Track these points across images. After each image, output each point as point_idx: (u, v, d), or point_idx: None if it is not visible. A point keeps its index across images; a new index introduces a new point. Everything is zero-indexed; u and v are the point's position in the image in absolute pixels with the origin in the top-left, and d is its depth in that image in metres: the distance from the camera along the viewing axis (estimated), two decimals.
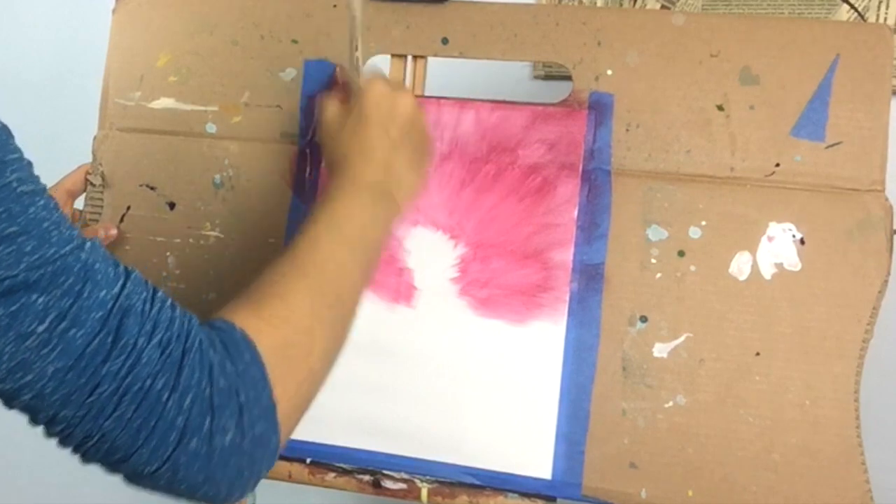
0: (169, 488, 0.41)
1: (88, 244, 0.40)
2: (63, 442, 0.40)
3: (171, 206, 0.71)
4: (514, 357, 0.63)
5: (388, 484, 0.63)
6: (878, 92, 0.60)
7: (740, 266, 0.61)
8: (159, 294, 0.41)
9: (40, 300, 0.37)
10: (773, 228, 0.61)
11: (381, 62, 0.68)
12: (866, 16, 0.84)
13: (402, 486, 0.63)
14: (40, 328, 0.37)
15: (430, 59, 0.68)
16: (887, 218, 0.59)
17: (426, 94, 0.68)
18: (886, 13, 0.84)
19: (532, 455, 0.62)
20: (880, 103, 0.60)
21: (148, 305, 0.40)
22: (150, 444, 0.39)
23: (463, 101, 0.66)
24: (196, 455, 0.39)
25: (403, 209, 0.58)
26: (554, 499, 0.61)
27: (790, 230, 0.61)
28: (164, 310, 0.41)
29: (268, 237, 0.68)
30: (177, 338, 0.40)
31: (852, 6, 0.84)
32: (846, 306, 0.59)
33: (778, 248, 0.61)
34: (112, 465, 0.41)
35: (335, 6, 0.69)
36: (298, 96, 0.69)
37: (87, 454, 0.40)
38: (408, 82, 0.68)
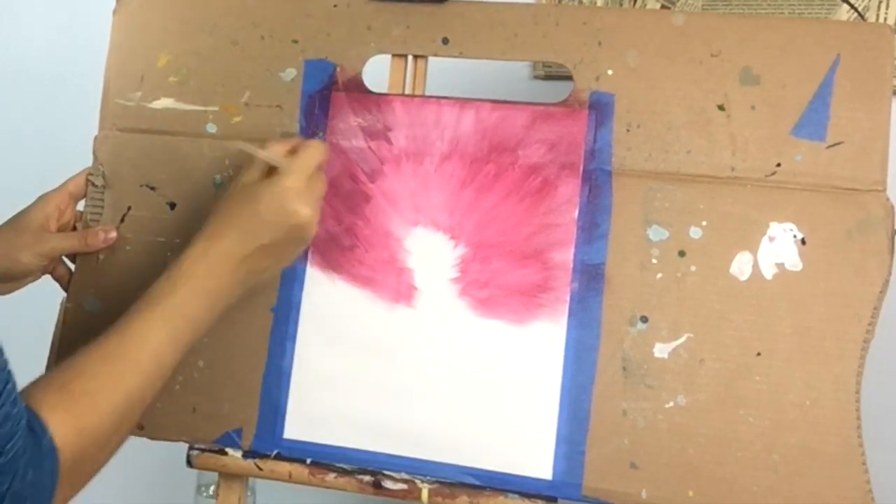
0: None
1: None
2: None
3: (172, 206, 0.71)
4: (514, 357, 0.63)
5: (388, 484, 0.63)
6: (878, 92, 0.60)
7: (741, 266, 0.61)
8: (8, 387, 0.45)
9: None
10: (774, 228, 0.61)
11: (382, 62, 0.69)
12: (866, 16, 0.84)
13: (403, 486, 0.63)
14: None
15: (430, 59, 0.68)
16: (888, 218, 0.59)
17: (426, 94, 0.68)
18: (886, 13, 0.84)
19: (532, 455, 0.62)
20: (881, 103, 0.60)
21: None
22: None
23: (463, 101, 0.66)
24: None
25: (252, 292, 0.62)
26: (554, 499, 0.61)
27: (791, 230, 0.60)
28: (5, 406, 0.45)
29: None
30: (2, 438, 0.44)
31: (852, 6, 0.84)
32: (847, 306, 0.59)
33: (779, 248, 0.60)
34: None
35: (335, 6, 0.69)
36: (298, 96, 0.69)
37: None
38: (408, 82, 0.68)
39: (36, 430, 0.48)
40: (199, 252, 0.58)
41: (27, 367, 0.51)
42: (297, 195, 0.59)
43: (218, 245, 0.59)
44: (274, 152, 0.61)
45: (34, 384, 0.51)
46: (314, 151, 0.61)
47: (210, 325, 0.59)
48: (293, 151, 0.61)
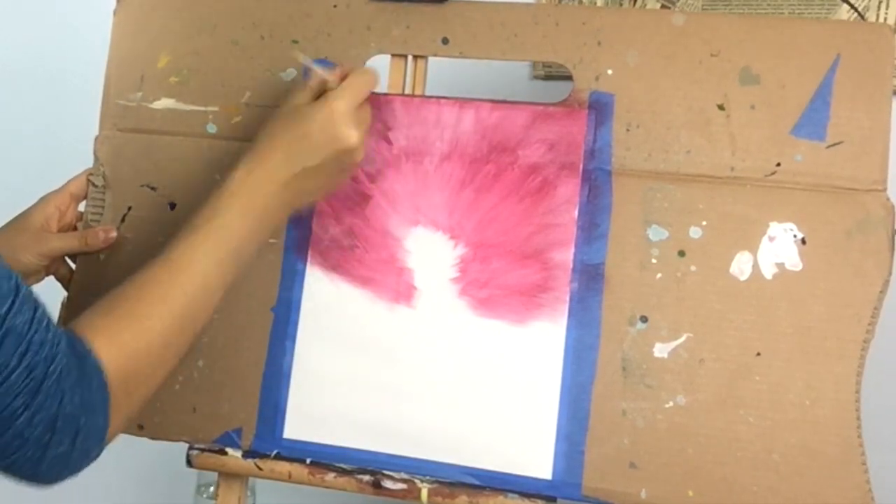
0: (2, 472, 0.48)
1: None
2: None
3: (172, 206, 0.71)
4: (514, 357, 0.63)
5: (388, 484, 0.63)
6: (878, 92, 0.60)
7: (741, 266, 0.61)
8: (38, 314, 0.46)
9: None
10: (774, 228, 0.61)
11: (382, 62, 0.69)
12: (866, 16, 0.84)
13: (402, 486, 0.63)
14: None
15: (430, 59, 0.68)
16: (888, 218, 0.59)
17: (426, 94, 0.68)
18: (886, 13, 0.84)
19: (532, 455, 0.62)
20: (881, 103, 0.60)
21: (27, 327, 0.45)
22: None
23: (463, 101, 0.66)
24: (30, 459, 0.46)
25: (286, 219, 0.62)
26: (554, 499, 0.61)
27: (791, 230, 0.60)
28: (39, 331, 0.45)
29: (268, 237, 0.68)
30: (43, 361, 0.45)
31: (852, 6, 0.84)
32: (847, 306, 0.59)
33: (779, 247, 0.60)
34: None
35: (335, 6, 0.69)
36: None
37: None
38: (408, 82, 0.68)
39: (80, 352, 0.48)
40: (244, 173, 0.58)
41: None
42: (347, 118, 0.58)
43: (264, 165, 0.58)
44: (329, 72, 0.61)
45: (82, 314, 0.52)
46: (367, 78, 0.61)
47: (256, 246, 0.59)
48: (344, 77, 0.61)
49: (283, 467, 0.65)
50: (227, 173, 0.58)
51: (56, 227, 0.70)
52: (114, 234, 0.70)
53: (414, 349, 0.64)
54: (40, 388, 0.45)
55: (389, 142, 0.67)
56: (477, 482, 0.62)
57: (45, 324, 0.46)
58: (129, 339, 0.51)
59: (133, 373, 0.51)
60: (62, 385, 0.46)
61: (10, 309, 0.44)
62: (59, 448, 0.46)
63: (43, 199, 0.70)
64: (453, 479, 0.63)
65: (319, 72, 0.61)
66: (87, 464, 0.50)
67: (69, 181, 0.72)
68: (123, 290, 0.54)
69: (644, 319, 0.62)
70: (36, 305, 0.46)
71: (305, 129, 0.58)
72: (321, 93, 0.60)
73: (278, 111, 0.61)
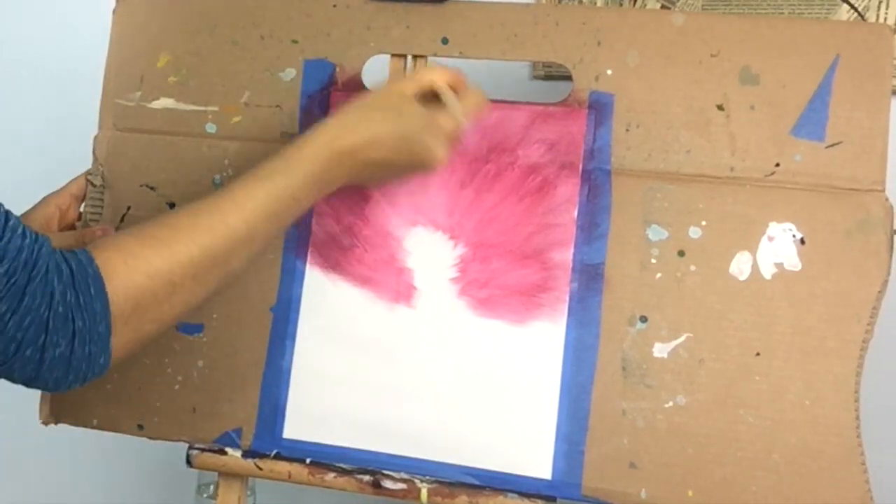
0: (8, 378, 0.49)
1: None
2: None
3: (172, 206, 0.71)
4: (513, 357, 0.63)
5: (387, 484, 0.63)
6: (878, 92, 0.60)
7: (740, 266, 0.61)
8: (11, 223, 0.46)
9: None
10: (774, 228, 0.61)
11: (381, 62, 0.69)
12: (866, 16, 0.84)
13: (402, 486, 0.63)
14: None
15: (430, 59, 0.68)
16: (887, 218, 0.59)
17: None
18: (886, 13, 0.84)
19: (532, 455, 0.62)
20: (880, 103, 0.60)
21: None
22: None
23: None
24: (29, 360, 0.47)
25: (350, 184, 0.60)
26: (554, 499, 0.61)
27: (790, 230, 0.60)
28: (13, 239, 0.46)
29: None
30: (22, 266, 0.46)
31: (852, 6, 0.84)
32: (846, 306, 0.59)
33: (778, 247, 0.60)
34: None
35: (335, 6, 0.69)
36: (298, 96, 0.69)
37: None
38: None
39: (81, 260, 0.49)
40: (316, 137, 0.58)
41: None
42: (436, 133, 0.59)
43: (337, 126, 0.58)
44: (457, 109, 0.61)
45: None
46: (478, 100, 0.62)
47: (307, 208, 0.59)
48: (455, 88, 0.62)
49: (283, 467, 0.65)
50: (302, 135, 0.58)
51: (57, 228, 0.70)
52: (112, 233, 0.70)
53: (414, 349, 0.64)
54: (25, 291, 0.45)
55: None
56: (477, 482, 0.62)
57: (19, 231, 0.46)
58: (146, 258, 0.50)
59: (142, 292, 0.50)
60: (49, 286, 0.46)
61: None
62: (57, 349, 0.47)
63: (44, 200, 0.70)
64: (453, 479, 0.63)
65: (453, 107, 0.61)
66: (94, 371, 0.50)
67: (70, 182, 0.72)
68: (161, 216, 0.54)
69: (644, 319, 0.62)
70: (7, 216, 0.46)
71: (386, 103, 0.60)
72: (427, 93, 0.61)
73: (377, 89, 0.62)
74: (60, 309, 0.47)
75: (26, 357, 0.47)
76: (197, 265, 0.52)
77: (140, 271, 0.50)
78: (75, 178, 0.72)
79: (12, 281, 0.45)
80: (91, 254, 0.49)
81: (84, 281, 0.48)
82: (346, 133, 0.58)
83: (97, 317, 0.48)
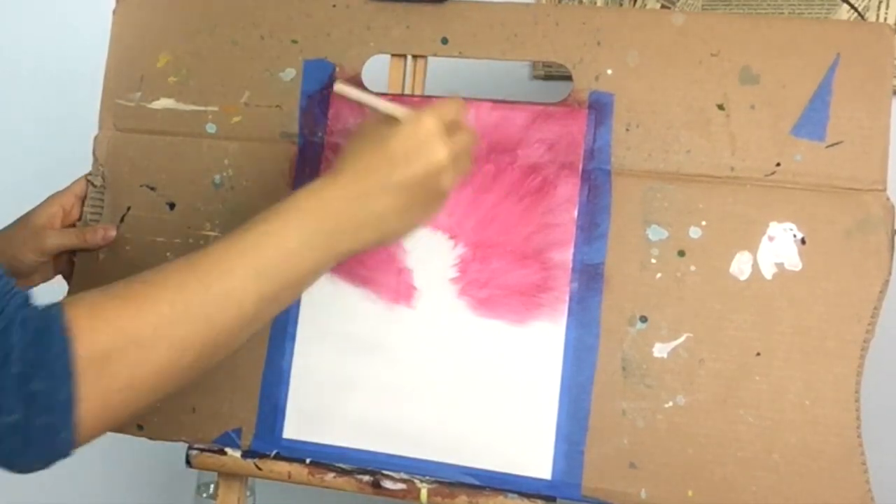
0: None
1: None
2: None
3: (171, 206, 0.71)
4: (513, 357, 0.63)
5: (387, 484, 0.63)
6: (878, 91, 0.60)
7: (741, 266, 0.61)
8: None
9: None
10: (774, 228, 0.61)
11: (381, 62, 0.69)
12: (866, 16, 0.84)
13: (402, 486, 0.63)
14: None
15: (430, 59, 0.68)
16: (888, 217, 0.59)
17: (426, 94, 0.68)
18: (886, 13, 0.84)
19: (532, 455, 0.62)
20: (881, 103, 0.60)
21: None
22: None
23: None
24: None
25: (356, 253, 0.53)
26: (554, 499, 0.61)
27: (791, 230, 0.60)
28: None
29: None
30: None
31: (852, 6, 0.84)
32: (847, 306, 0.59)
33: (778, 247, 0.60)
34: None
35: (335, 6, 0.69)
36: (298, 96, 0.69)
37: None
38: (407, 82, 0.68)
39: (47, 316, 0.43)
40: (313, 188, 0.51)
41: None
42: (435, 134, 0.51)
43: (336, 179, 0.51)
44: (397, 106, 0.54)
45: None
46: (452, 104, 0.54)
47: (315, 268, 0.51)
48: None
49: (283, 467, 0.65)
50: (297, 190, 0.52)
51: (59, 226, 0.70)
52: (113, 232, 0.70)
53: (413, 349, 0.64)
54: None
55: None
56: (476, 482, 0.62)
57: None
58: (116, 315, 0.44)
59: (108, 352, 0.44)
60: (9, 342, 0.41)
61: None
62: (11, 416, 0.41)
63: (48, 199, 0.71)
64: (453, 479, 0.63)
65: (384, 107, 0.53)
66: (56, 449, 0.43)
67: (74, 182, 0.72)
68: (145, 272, 0.47)
69: (644, 319, 0.61)
70: None
71: (385, 145, 0.51)
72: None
73: (357, 132, 0.55)
74: (16, 368, 0.41)
75: None
76: (169, 325, 0.45)
77: (111, 326, 0.44)
78: (79, 179, 0.73)
79: None
80: (63, 309, 0.44)
81: (49, 338, 0.42)
82: (334, 176, 0.52)
83: (58, 380, 0.42)
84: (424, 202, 0.53)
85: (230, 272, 0.47)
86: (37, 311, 0.44)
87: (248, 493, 0.71)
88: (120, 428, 0.53)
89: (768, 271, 0.60)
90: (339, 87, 0.55)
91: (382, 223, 0.52)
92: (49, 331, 0.43)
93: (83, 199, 0.72)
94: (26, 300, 0.44)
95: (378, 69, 0.69)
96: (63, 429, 0.43)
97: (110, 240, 0.70)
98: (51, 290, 0.71)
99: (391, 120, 0.53)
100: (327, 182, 0.52)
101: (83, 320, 0.44)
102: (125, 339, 0.44)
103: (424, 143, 0.51)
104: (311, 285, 0.52)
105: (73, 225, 0.72)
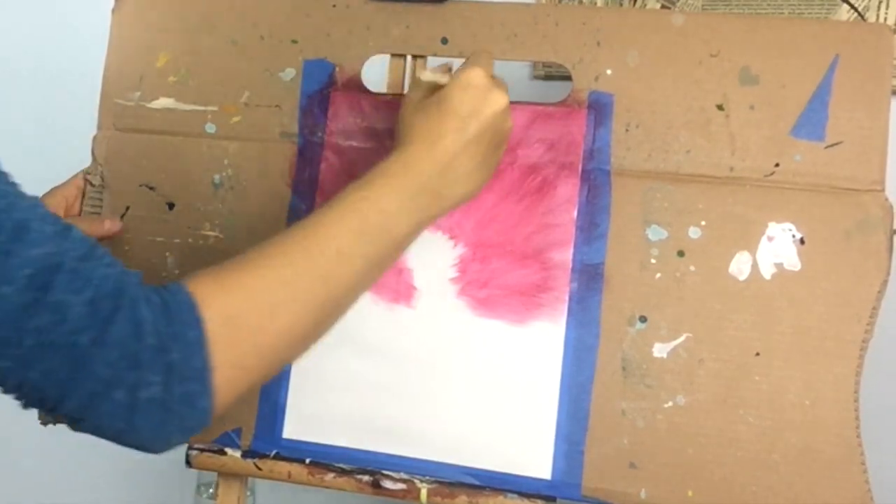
0: (96, 433, 0.43)
1: (26, 203, 0.41)
2: (4, 390, 0.43)
3: (171, 206, 0.71)
4: (513, 357, 0.63)
5: (387, 484, 0.63)
6: (877, 92, 0.60)
7: (740, 266, 0.61)
8: (98, 252, 0.43)
9: None
10: (773, 228, 0.61)
11: (381, 62, 0.69)
12: (866, 16, 0.84)
13: (402, 486, 0.63)
14: None
15: (430, 59, 0.68)
16: (887, 218, 0.59)
17: None
18: (886, 13, 0.84)
19: (532, 455, 0.62)
20: (880, 103, 0.60)
21: (80, 263, 0.41)
22: (75, 394, 0.41)
23: None
24: (119, 405, 0.41)
25: (447, 211, 0.56)
26: (553, 499, 0.61)
27: (790, 230, 0.60)
28: (98, 268, 0.42)
29: (267, 237, 0.68)
30: (108, 295, 0.41)
31: (852, 6, 0.84)
32: (846, 306, 0.59)
33: (778, 247, 0.60)
34: (47, 412, 0.44)
35: (334, 6, 0.69)
36: (298, 96, 0.69)
37: (23, 401, 0.43)
38: (407, 82, 0.68)
39: (170, 288, 0.44)
40: (396, 158, 0.53)
41: None
42: (486, 83, 0.54)
43: (415, 148, 0.53)
44: (436, 72, 0.57)
45: None
46: (484, 55, 0.57)
47: (411, 228, 0.53)
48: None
49: (283, 467, 0.65)
50: (374, 166, 0.54)
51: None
52: (118, 225, 0.70)
53: (413, 349, 0.64)
54: (112, 320, 0.41)
55: (389, 142, 0.67)
56: (476, 482, 0.62)
57: (105, 260, 0.43)
58: (238, 280, 0.46)
59: (238, 314, 0.45)
60: (138, 315, 0.41)
61: (56, 248, 0.41)
62: (150, 389, 0.41)
63: (51, 191, 0.71)
64: (453, 479, 0.63)
65: (428, 76, 0.57)
66: (196, 417, 0.44)
67: (74, 175, 0.72)
68: (249, 250, 0.49)
69: (643, 319, 0.62)
70: (92, 244, 0.43)
71: (448, 106, 0.53)
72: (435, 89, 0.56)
73: (404, 109, 0.57)
74: (151, 340, 0.42)
75: (115, 401, 0.41)
76: (293, 284, 0.47)
77: (234, 291, 0.45)
78: (80, 172, 0.73)
79: (96, 310, 0.41)
80: (182, 283, 0.45)
81: (177, 308, 0.43)
82: (414, 145, 0.54)
83: (192, 347, 0.43)
84: (496, 148, 0.57)
85: (337, 235, 0.50)
86: (158, 287, 0.44)
87: (248, 493, 0.71)
88: None
89: (767, 271, 0.60)
90: (425, 74, 0.58)
91: (468, 178, 0.55)
92: (177, 301, 0.44)
93: (84, 193, 0.72)
94: (140, 278, 0.44)
95: (377, 69, 0.69)
96: (201, 396, 0.43)
97: (114, 231, 0.70)
98: None
99: (434, 87, 0.56)
100: (407, 152, 0.54)
101: (207, 288, 0.45)
102: (251, 302, 0.46)
103: (482, 94, 0.54)
104: (407, 248, 0.55)
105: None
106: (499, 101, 0.55)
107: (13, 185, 0.42)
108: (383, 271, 0.54)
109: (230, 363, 0.45)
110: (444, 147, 0.54)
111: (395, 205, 0.52)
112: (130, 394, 0.41)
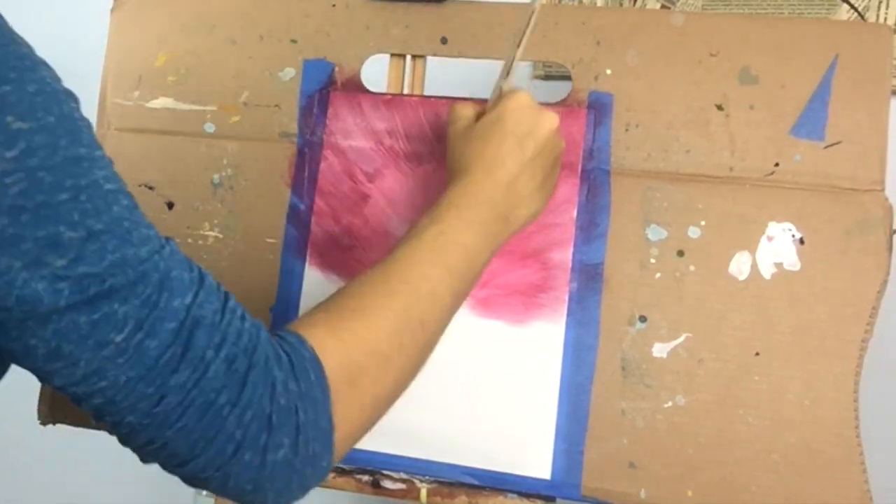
0: (220, 492, 0.42)
1: (166, 248, 0.40)
2: (125, 442, 0.42)
3: (170, 205, 0.71)
4: (513, 357, 0.63)
5: (387, 484, 0.63)
6: (877, 92, 0.60)
7: (740, 266, 0.61)
8: (230, 304, 0.42)
9: (120, 310, 0.38)
10: (773, 228, 0.61)
11: (380, 62, 0.68)
12: (866, 16, 0.84)
13: (402, 486, 0.63)
14: (118, 338, 0.38)
15: (430, 59, 0.68)
16: (886, 217, 0.59)
17: (426, 94, 0.68)
18: (886, 13, 0.84)
19: (531, 455, 0.62)
20: (880, 103, 0.60)
21: (218, 317, 0.40)
22: (207, 453, 0.40)
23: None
24: (248, 466, 0.40)
25: (514, 234, 0.56)
26: (553, 499, 0.61)
27: (790, 230, 0.61)
28: (233, 321, 0.41)
29: (266, 237, 0.68)
30: (243, 352, 0.40)
31: (852, 6, 0.84)
32: (846, 306, 0.59)
33: (777, 247, 0.61)
34: (169, 468, 0.42)
35: (334, 6, 0.69)
36: (297, 96, 0.69)
37: (147, 456, 0.41)
38: (407, 82, 0.68)
39: (293, 342, 0.43)
40: (460, 187, 0.53)
41: None
42: (535, 104, 0.55)
43: (477, 175, 0.53)
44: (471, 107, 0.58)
45: (300, 316, 0.47)
46: (521, 93, 0.57)
47: (484, 258, 0.53)
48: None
49: None
50: (439, 197, 0.54)
51: None
52: None
53: None
54: (246, 380, 0.40)
55: (388, 142, 0.67)
56: (476, 482, 0.62)
57: (238, 313, 0.42)
58: (353, 331, 0.45)
59: (356, 371, 0.44)
60: (271, 375, 0.41)
61: (194, 299, 0.40)
62: (279, 451, 0.41)
63: None
64: (452, 479, 0.63)
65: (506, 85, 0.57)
66: (318, 477, 0.44)
67: None
68: (344, 288, 0.48)
69: (643, 319, 0.62)
70: (226, 296, 0.42)
71: (503, 129, 0.54)
72: (482, 112, 0.57)
73: (453, 142, 0.57)
74: (283, 401, 0.41)
75: (245, 462, 0.40)
76: (397, 333, 0.47)
77: (351, 345, 0.45)
78: None
79: (233, 368, 0.40)
80: (301, 334, 0.44)
81: (302, 366, 0.42)
82: (477, 175, 0.54)
83: (319, 407, 0.42)
84: (553, 167, 0.57)
85: (427, 275, 0.49)
86: (278, 338, 0.44)
87: None
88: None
89: (767, 271, 0.60)
90: (505, 84, 0.57)
91: (531, 199, 0.56)
92: (302, 358, 0.43)
93: None
94: (265, 331, 0.43)
95: (377, 69, 0.69)
96: (324, 455, 0.43)
97: None
98: None
99: (474, 106, 0.58)
100: (469, 181, 0.54)
101: (326, 342, 0.44)
102: (367, 357, 0.45)
103: (535, 113, 0.55)
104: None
105: None
106: (551, 120, 0.55)
107: (152, 227, 0.41)
108: (462, 303, 0.53)
109: (350, 419, 0.44)
110: (505, 170, 0.54)
111: (471, 237, 0.52)
112: (261, 455, 0.40)
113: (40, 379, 0.40)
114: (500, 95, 0.57)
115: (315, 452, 0.42)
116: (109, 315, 0.37)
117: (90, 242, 0.37)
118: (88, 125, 0.41)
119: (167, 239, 0.42)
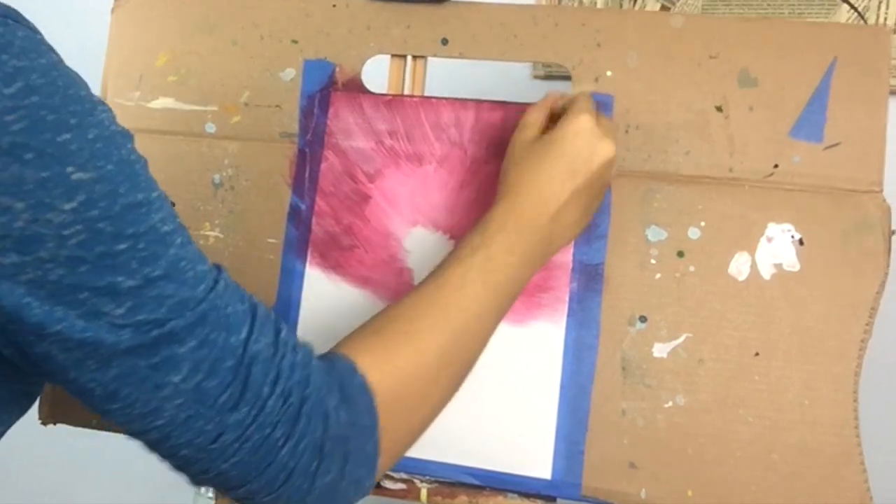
0: None
1: (220, 283, 0.41)
2: (176, 470, 0.42)
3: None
4: (513, 357, 0.63)
5: (387, 484, 0.63)
6: (875, 93, 0.61)
7: (739, 266, 0.61)
8: (282, 335, 0.43)
9: (179, 352, 0.38)
10: (772, 229, 0.61)
11: (381, 62, 0.69)
12: (866, 16, 0.84)
13: (402, 485, 0.63)
14: (177, 378, 0.38)
15: (430, 59, 0.68)
16: (885, 218, 0.60)
17: (426, 94, 0.68)
18: (886, 13, 0.84)
19: (532, 455, 0.62)
20: (878, 104, 0.61)
21: (272, 350, 0.41)
22: (259, 481, 0.41)
23: (462, 102, 0.66)
24: (297, 490, 0.42)
25: (554, 254, 0.58)
26: (553, 499, 0.61)
27: (789, 231, 0.61)
28: (287, 354, 0.42)
29: (267, 237, 0.68)
30: (297, 385, 0.41)
31: (852, 6, 0.84)
32: (845, 306, 0.59)
33: (777, 248, 0.61)
34: (220, 491, 0.43)
35: (335, 6, 0.69)
36: (298, 96, 0.69)
37: (199, 482, 0.42)
38: (407, 82, 0.68)
39: (342, 370, 0.44)
40: (508, 207, 0.54)
41: None
42: (596, 131, 0.55)
43: (527, 196, 0.54)
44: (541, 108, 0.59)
45: (349, 336, 0.49)
46: (585, 97, 0.58)
47: (529, 278, 0.55)
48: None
49: None
50: (489, 212, 0.55)
51: None
52: None
53: None
54: (300, 413, 0.41)
55: (389, 142, 0.67)
56: (476, 482, 0.62)
57: (291, 345, 0.43)
58: (401, 357, 0.46)
59: (405, 396, 0.46)
60: (324, 405, 0.42)
61: (249, 334, 0.41)
62: (327, 476, 0.42)
63: None
64: (453, 479, 0.63)
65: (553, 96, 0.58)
66: (359, 496, 0.45)
67: None
68: (392, 309, 0.50)
69: (643, 319, 0.62)
70: (278, 327, 0.43)
71: (559, 153, 0.55)
72: (544, 126, 0.58)
73: (513, 151, 0.57)
74: (334, 431, 0.42)
75: (294, 487, 0.41)
76: (445, 355, 0.48)
77: (398, 370, 0.46)
78: None
79: (288, 402, 0.41)
80: (352, 360, 0.45)
81: (353, 394, 0.44)
82: (527, 197, 0.55)
83: (366, 435, 0.44)
84: (599, 195, 0.58)
85: (474, 297, 0.50)
86: (328, 362, 0.44)
87: None
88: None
89: (767, 272, 0.61)
90: (551, 93, 0.60)
91: (573, 226, 0.57)
92: (353, 386, 0.44)
93: None
94: (318, 361, 0.44)
95: (378, 69, 0.69)
96: (368, 478, 0.45)
97: None
98: None
99: (545, 111, 0.59)
100: (517, 202, 0.55)
101: (378, 369, 0.45)
102: (416, 379, 0.47)
103: (594, 142, 0.55)
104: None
105: None
106: (608, 150, 0.55)
107: (205, 259, 0.41)
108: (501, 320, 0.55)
109: (395, 442, 0.46)
110: (553, 195, 0.55)
111: (517, 260, 0.53)
112: (310, 481, 0.42)
113: (93, 410, 0.40)
114: (567, 114, 0.57)
115: (360, 476, 0.44)
116: (169, 357, 0.38)
117: (148, 289, 0.37)
118: (144, 164, 0.41)
119: (219, 269, 0.42)
